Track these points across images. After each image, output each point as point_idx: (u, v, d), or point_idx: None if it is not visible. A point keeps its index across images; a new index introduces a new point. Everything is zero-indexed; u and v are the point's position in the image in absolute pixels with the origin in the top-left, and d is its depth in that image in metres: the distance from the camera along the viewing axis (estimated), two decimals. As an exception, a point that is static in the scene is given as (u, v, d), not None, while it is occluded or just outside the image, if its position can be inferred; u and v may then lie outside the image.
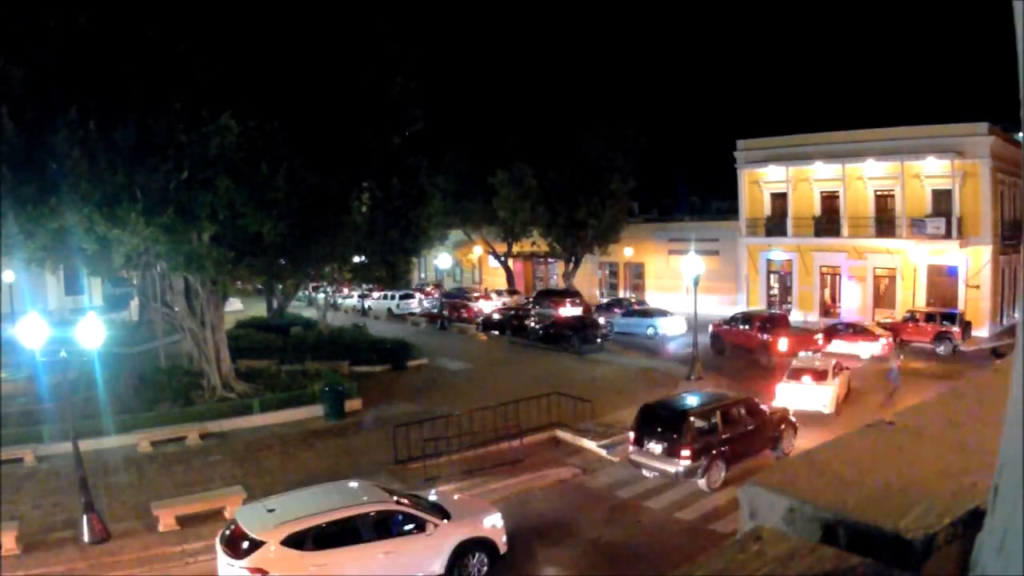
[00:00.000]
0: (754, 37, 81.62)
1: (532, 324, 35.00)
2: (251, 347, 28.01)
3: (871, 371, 25.39)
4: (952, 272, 33.22)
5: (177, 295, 21.99)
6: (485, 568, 11.95)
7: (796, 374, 21.07)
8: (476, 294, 48.12)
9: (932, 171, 33.11)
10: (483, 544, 11.96)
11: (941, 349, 28.76)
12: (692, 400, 16.95)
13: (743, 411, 16.73)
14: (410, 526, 11.55)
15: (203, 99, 17.57)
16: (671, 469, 15.32)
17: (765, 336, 28.24)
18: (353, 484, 13.00)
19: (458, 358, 30.12)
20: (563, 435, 19.35)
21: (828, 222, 36.63)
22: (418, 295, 48.54)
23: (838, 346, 28.12)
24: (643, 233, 45.88)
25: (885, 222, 34.84)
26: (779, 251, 39.12)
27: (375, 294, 46.02)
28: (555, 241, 43.79)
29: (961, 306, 31.52)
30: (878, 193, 35.28)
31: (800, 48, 79.18)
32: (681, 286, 39.39)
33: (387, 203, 24.94)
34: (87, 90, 16.78)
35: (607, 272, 49.84)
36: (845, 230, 35.67)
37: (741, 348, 29.39)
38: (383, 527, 11.40)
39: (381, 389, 24.78)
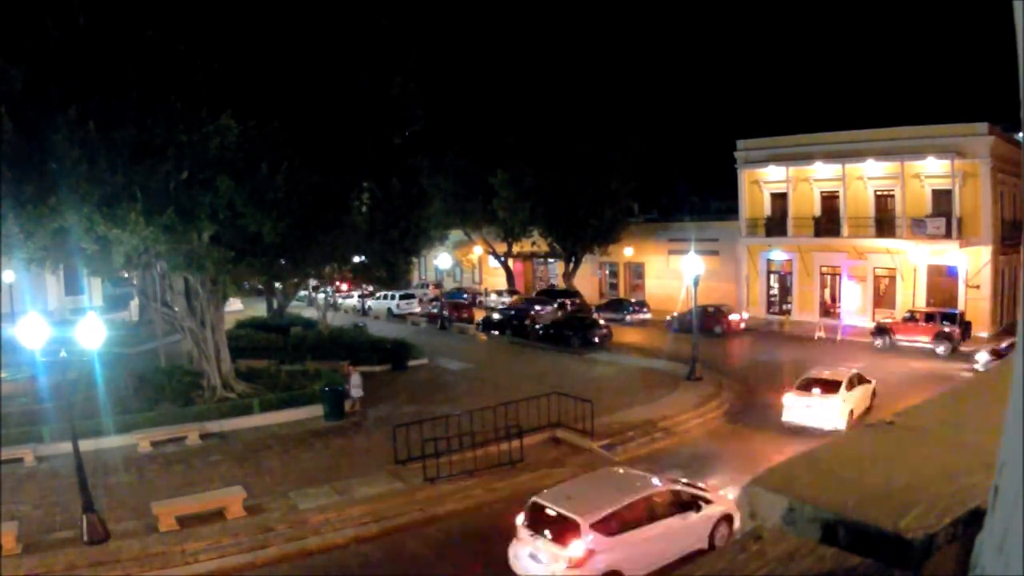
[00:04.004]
0: (753, 38, 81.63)
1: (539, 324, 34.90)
2: (251, 347, 28.02)
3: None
4: (952, 272, 33.21)
5: (177, 295, 21.98)
6: (727, 536, 13.32)
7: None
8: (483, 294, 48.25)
9: (932, 171, 33.10)
10: (728, 518, 13.39)
11: (941, 349, 28.77)
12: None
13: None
14: (686, 506, 12.94)
15: (203, 99, 17.57)
16: None
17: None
18: (621, 471, 14.50)
19: (458, 358, 30.13)
20: (563, 435, 19.36)
21: (828, 222, 36.62)
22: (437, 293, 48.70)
23: None
24: (643, 233, 45.86)
25: (885, 222, 34.83)
26: (779, 251, 39.12)
27: (378, 294, 46.08)
28: (555, 241, 43.78)
29: (961, 306, 31.52)
30: (878, 193, 35.28)
31: (800, 48, 79.18)
32: (681, 286, 39.44)
33: (387, 203, 24.97)
34: (87, 90, 16.77)
35: (607, 272, 49.83)
36: (845, 230, 35.66)
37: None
38: (667, 509, 12.71)
39: (381, 389, 24.78)
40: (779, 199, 39.00)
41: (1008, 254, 33.61)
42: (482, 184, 41.35)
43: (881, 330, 30.86)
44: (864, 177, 35.13)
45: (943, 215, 32.52)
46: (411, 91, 23.90)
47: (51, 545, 13.34)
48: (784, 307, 39.14)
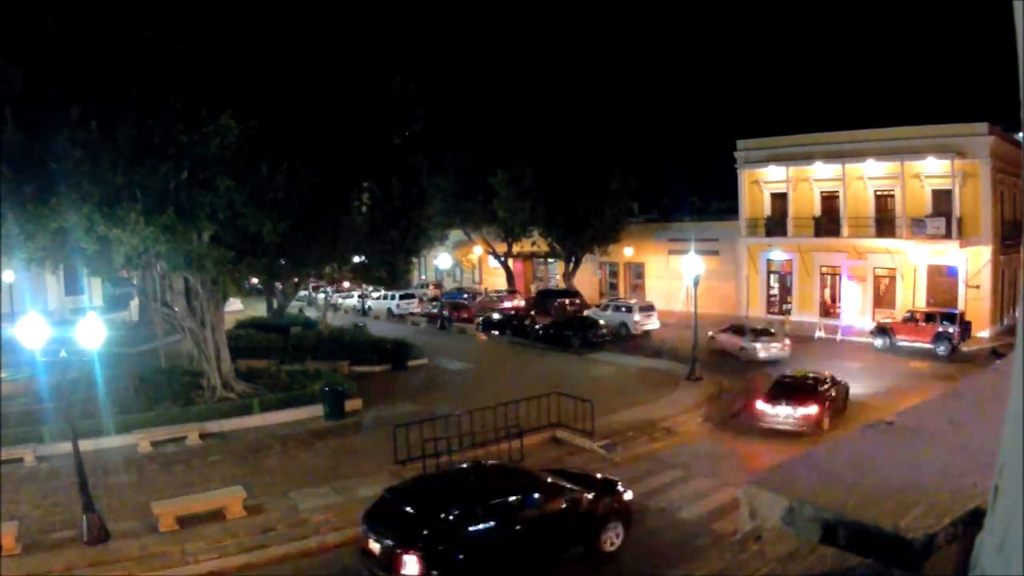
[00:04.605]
0: (753, 37, 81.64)
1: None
2: (251, 347, 28.01)
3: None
4: (952, 272, 33.21)
5: (177, 295, 21.98)
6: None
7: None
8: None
9: (932, 171, 33.10)
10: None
11: (940, 350, 28.76)
12: None
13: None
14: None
15: (203, 99, 17.57)
16: None
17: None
18: None
19: (458, 358, 30.13)
20: (563, 435, 19.36)
21: (828, 222, 36.61)
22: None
23: None
24: (643, 233, 45.86)
25: (885, 222, 34.83)
26: (779, 251, 39.12)
27: (375, 294, 46.07)
28: (555, 241, 43.78)
29: (961, 306, 31.52)
30: (878, 193, 35.27)
31: (800, 48, 79.18)
32: (681, 286, 39.49)
33: (387, 203, 24.97)
34: (87, 90, 16.77)
35: (607, 272, 49.83)
36: (845, 230, 35.66)
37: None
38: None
39: (381, 389, 24.78)
40: (779, 199, 38.99)
41: (1008, 254, 33.60)
42: (482, 184, 41.34)
43: (881, 330, 30.90)
44: (864, 177, 35.12)
45: (943, 215, 32.51)
46: (411, 91, 23.90)
47: (51, 545, 13.33)
48: (784, 307, 39.13)
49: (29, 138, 16.53)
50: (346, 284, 45.70)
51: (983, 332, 31.44)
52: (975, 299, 32.30)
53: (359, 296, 48.11)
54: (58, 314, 37.82)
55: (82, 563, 12.67)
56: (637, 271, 47.62)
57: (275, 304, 34.55)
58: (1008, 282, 34.15)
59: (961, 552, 1.14)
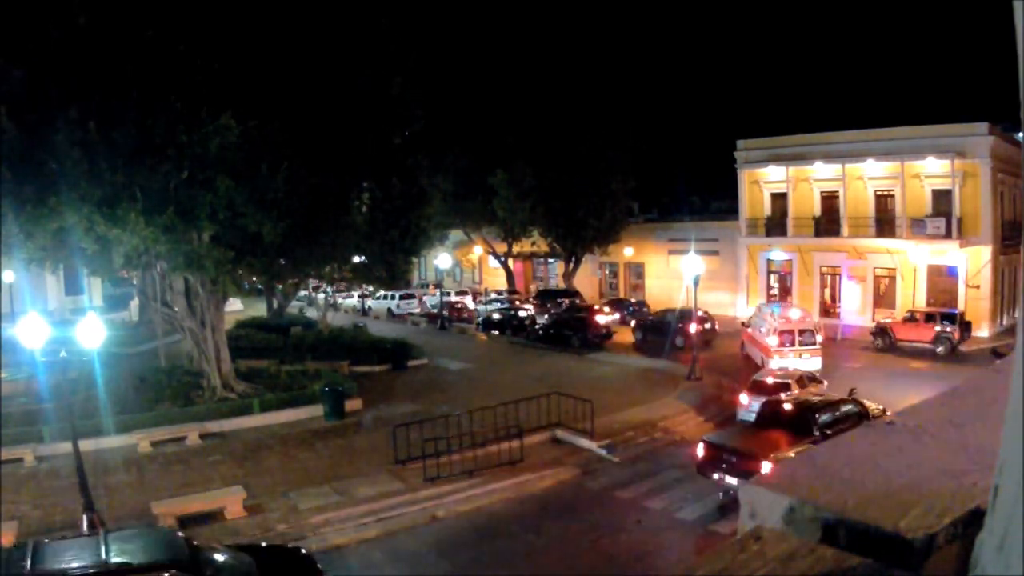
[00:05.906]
0: (753, 38, 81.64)
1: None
2: (251, 347, 28.02)
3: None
4: (952, 272, 33.21)
5: (177, 295, 21.98)
6: None
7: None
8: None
9: (932, 171, 33.10)
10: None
11: (940, 349, 28.76)
12: None
13: None
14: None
15: (203, 99, 17.56)
16: None
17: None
18: None
19: (458, 358, 30.13)
20: (563, 435, 19.36)
21: (828, 222, 36.62)
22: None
23: None
24: (643, 233, 45.87)
25: (885, 222, 34.83)
26: (779, 251, 39.12)
27: (378, 294, 46.04)
28: (555, 241, 43.78)
29: (961, 306, 31.52)
30: (878, 193, 35.28)
31: (800, 48, 79.18)
32: (681, 286, 39.41)
33: (387, 203, 24.94)
34: (87, 90, 16.77)
35: (607, 272, 49.85)
36: (845, 230, 35.66)
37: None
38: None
39: (381, 389, 24.79)
40: (779, 199, 39.00)
41: (1008, 254, 33.60)
42: (482, 184, 41.33)
43: (881, 330, 30.91)
44: (864, 177, 35.13)
45: (943, 215, 32.52)
46: (411, 91, 23.90)
47: (51, 545, 13.32)
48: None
49: (29, 138, 16.53)
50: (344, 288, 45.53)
51: (983, 332, 31.43)
52: (975, 299, 32.30)
53: (359, 296, 48.11)
54: (58, 314, 37.83)
55: (82, 563, 12.66)
56: (637, 271, 47.63)
57: (275, 304, 34.56)
58: (1008, 282, 34.15)
59: (961, 552, 1.14)
